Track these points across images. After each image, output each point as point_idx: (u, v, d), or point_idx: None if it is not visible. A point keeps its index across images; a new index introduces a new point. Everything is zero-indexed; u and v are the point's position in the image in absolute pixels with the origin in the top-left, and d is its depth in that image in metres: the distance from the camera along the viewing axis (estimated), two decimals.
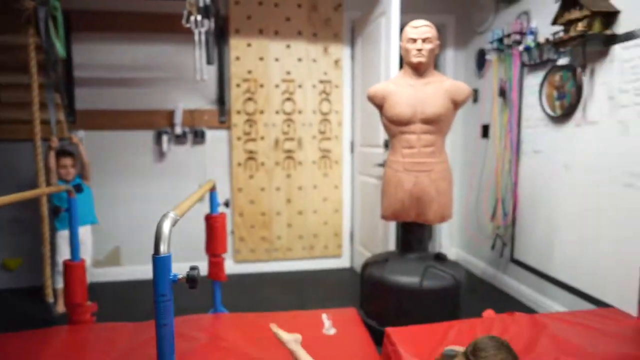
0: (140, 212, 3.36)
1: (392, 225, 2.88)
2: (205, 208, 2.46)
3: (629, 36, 2.10)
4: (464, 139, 3.74)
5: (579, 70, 2.38)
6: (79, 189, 2.25)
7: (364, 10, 3.28)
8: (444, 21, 3.66)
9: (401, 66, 2.41)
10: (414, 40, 2.19)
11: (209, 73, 3.23)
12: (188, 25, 2.54)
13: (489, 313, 2.04)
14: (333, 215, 3.66)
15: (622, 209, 2.17)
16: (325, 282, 3.39)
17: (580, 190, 2.44)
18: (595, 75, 2.31)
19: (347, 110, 3.61)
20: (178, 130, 3.29)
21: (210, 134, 3.43)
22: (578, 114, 2.44)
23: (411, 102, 2.19)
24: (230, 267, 3.44)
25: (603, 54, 2.25)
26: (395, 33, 2.69)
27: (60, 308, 2.72)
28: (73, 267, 2.14)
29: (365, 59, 3.29)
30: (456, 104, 2.22)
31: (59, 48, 2.65)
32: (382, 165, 2.61)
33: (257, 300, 2.99)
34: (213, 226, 2.28)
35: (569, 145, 2.51)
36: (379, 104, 2.32)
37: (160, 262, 1.05)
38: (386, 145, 2.77)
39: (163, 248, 1.06)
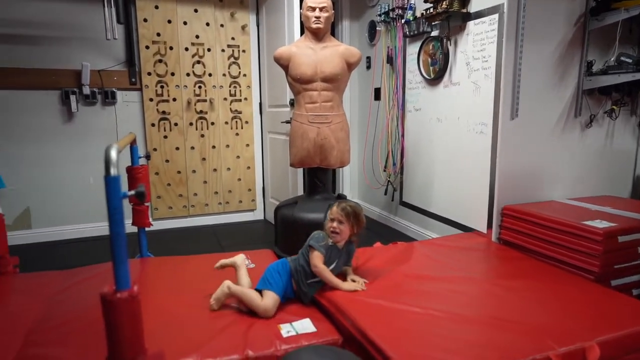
0: (51, 174, 3.34)
1: (300, 176, 3.27)
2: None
3: (478, 15, 2.67)
4: (359, 102, 4.23)
5: (445, 41, 2.92)
6: None
7: None
8: None
9: (302, 32, 2.75)
10: (313, 9, 2.54)
11: (117, 34, 3.26)
12: None
13: (378, 244, 2.57)
14: (246, 172, 3.95)
15: (476, 151, 2.78)
16: (242, 232, 3.69)
17: (448, 138, 3.03)
18: (457, 45, 2.87)
19: (255, 73, 3.86)
20: (87, 90, 3.29)
21: (121, 95, 3.47)
22: (446, 77, 3.01)
23: (312, 63, 2.55)
24: None
25: (462, 28, 2.81)
26: (297, 2, 2.99)
27: None
28: None
29: (270, 25, 3.55)
30: (350, 66, 2.64)
31: None
32: (289, 122, 2.96)
33: (179, 251, 3.17)
34: (135, 177, 2.44)
35: (440, 102, 3.08)
36: (284, 64, 2.64)
37: (111, 182, 1.28)
38: (292, 104, 3.12)
39: (113, 171, 1.29)
